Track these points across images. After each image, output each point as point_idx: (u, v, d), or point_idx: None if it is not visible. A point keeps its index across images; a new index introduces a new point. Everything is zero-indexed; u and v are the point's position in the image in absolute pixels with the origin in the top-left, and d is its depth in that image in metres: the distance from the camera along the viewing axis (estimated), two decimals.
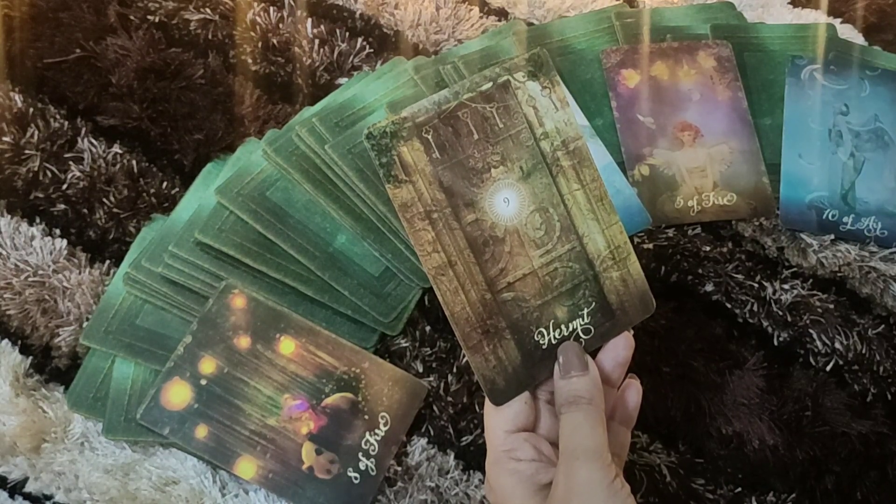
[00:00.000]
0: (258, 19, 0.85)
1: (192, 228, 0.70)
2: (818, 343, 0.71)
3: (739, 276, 0.73)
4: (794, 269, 0.75)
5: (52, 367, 0.69)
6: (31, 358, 0.69)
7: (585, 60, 0.83)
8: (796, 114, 0.80)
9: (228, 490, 0.64)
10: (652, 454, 0.67)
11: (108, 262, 0.73)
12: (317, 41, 0.85)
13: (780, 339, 0.71)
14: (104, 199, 0.75)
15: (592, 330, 0.53)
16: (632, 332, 0.55)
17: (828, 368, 0.70)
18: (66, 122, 0.78)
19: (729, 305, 0.73)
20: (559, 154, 0.52)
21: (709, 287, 0.73)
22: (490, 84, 0.51)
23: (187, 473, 0.64)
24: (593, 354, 0.53)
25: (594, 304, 0.53)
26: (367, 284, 0.71)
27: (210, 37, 0.85)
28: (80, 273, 0.72)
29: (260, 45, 0.84)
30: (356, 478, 0.64)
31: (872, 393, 0.69)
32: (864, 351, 0.71)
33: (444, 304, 0.50)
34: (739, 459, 0.67)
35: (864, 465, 0.67)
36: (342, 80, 0.83)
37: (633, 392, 0.55)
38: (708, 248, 0.75)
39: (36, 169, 0.76)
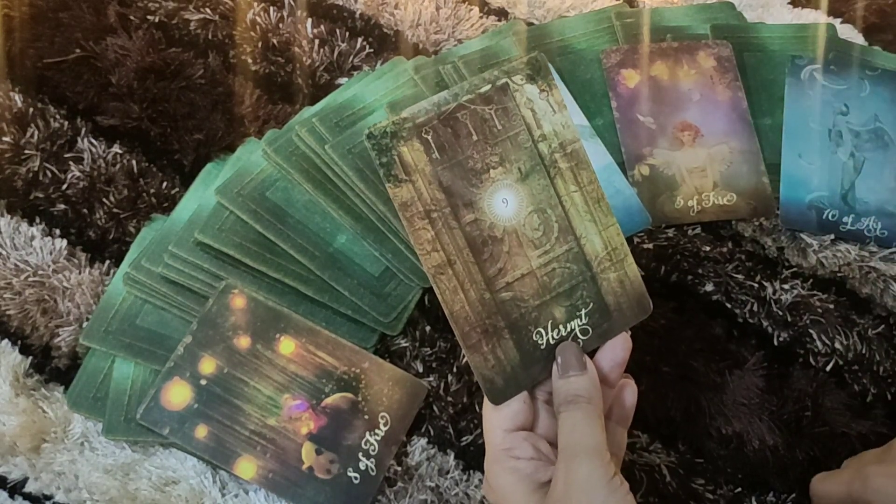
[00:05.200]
0: (258, 19, 0.85)
1: (192, 228, 0.70)
2: (818, 343, 0.71)
3: (739, 276, 0.73)
4: (794, 269, 0.75)
5: (52, 367, 0.69)
6: (31, 358, 0.69)
7: (585, 60, 0.83)
8: (796, 114, 0.80)
9: (228, 490, 0.64)
10: (652, 454, 0.67)
11: (108, 262, 0.73)
12: (317, 41, 0.85)
13: (780, 339, 0.71)
14: (104, 199, 0.75)
15: (590, 330, 0.53)
16: (629, 332, 0.55)
17: (828, 368, 0.70)
18: (66, 122, 0.78)
19: (729, 305, 0.73)
20: (557, 156, 0.52)
21: (709, 287, 0.73)
22: (489, 86, 0.51)
23: (187, 473, 0.64)
24: (591, 355, 0.53)
25: (592, 304, 0.53)
26: (367, 284, 0.71)
27: (210, 37, 0.85)
28: (80, 273, 0.72)
29: (260, 45, 0.84)
30: (356, 478, 0.64)
31: (872, 393, 0.69)
32: (864, 351, 0.71)
33: (443, 303, 0.50)
34: (739, 459, 0.67)
35: None
36: (342, 80, 0.83)
37: (629, 392, 0.56)
38: (708, 248, 0.75)
39: (36, 169, 0.76)
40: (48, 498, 0.64)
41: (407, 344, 0.70)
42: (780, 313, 0.72)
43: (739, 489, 0.66)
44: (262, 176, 0.73)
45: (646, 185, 0.77)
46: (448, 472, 0.66)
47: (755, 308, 0.72)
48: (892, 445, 0.61)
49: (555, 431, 0.51)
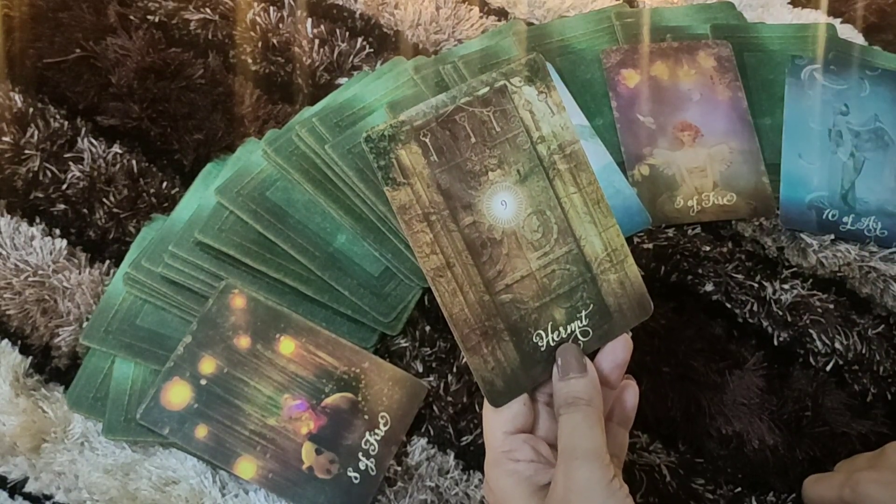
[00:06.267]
0: (258, 19, 0.85)
1: (192, 228, 0.70)
2: (818, 343, 0.71)
3: (739, 276, 0.73)
4: (794, 269, 0.75)
5: (52, 367, 0.69)
6: (31, 358, 0.69)
7: (585, 60, 0.83)
8: (796, 114, 0.80)
9: (228, 490, 0.64)
10: (652, 454, 0.67)
11: (108, 262, 0.73)
12: (317, 41, 0.85)
13: (780, 339, 0.71)
14: (104, 199, 0.75)
15: (591, 332, 0.53)
16: (630, 333, 0.55)
17: (828, 368, 0.70)
18: (66, 122, 0.78)
19: (729, 305, 0.73)
20: (556, 158, 0.52)
21: (709, 287, 0.73)
22: (487, 89, 0.51)
23: (187, 473, 0.64)
24: (591, 356, 0.53)
25: (592, 306, 0.53)
26: (367, 284, 0.71)
27: (210, 37, 0.85)
28: (80, 273, 0.72)
29: (260, 45, 0.84)
30: (356, 478, 0.64)
31: (872, 393, 0.69)
32: (864, 351, 0.71)
33: (442, 306, 0.50)
34: (739, 459, 0.67)
35: None
36: (342, 80, 0.83)
37: (631, 393, 0.56)
38: (708, 248, 0.75)
39: (36, 169, 0.76)
40: (48, 498, 0.64)
41: (407, 344, 0.70)
42: (780, 313, 0.72)
43: (739, 489, 0.66)
44: (262, 176, 0.73)
45: (646, 185, 0.77)
46: (448, 472, 0.66)
47: (755, 308, 0.72)
48: (885, 451, 0.61)
49: (555, 434, 0.51)
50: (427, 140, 0.50)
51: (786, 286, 0.73)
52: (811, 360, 0.71)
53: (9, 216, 0.74)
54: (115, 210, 0.75)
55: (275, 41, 0.85)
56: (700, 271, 0.74)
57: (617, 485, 0.48)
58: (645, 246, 0.75)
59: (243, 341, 0.66)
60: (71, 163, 0.76)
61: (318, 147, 0.73)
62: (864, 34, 0.90)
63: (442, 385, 0.69)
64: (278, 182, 0.73)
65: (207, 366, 0.65)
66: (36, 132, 0.77)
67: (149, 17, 0.85)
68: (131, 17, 0.85)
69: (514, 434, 0.52)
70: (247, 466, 0.63)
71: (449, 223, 0.50)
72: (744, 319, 0.72)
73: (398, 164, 0.49)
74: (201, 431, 0.64)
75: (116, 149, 0.77)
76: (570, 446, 0.49)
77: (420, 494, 0.65)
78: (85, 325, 0.70)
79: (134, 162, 0.77)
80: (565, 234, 0.53)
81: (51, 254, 0.72)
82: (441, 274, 0.50)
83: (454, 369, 0.69)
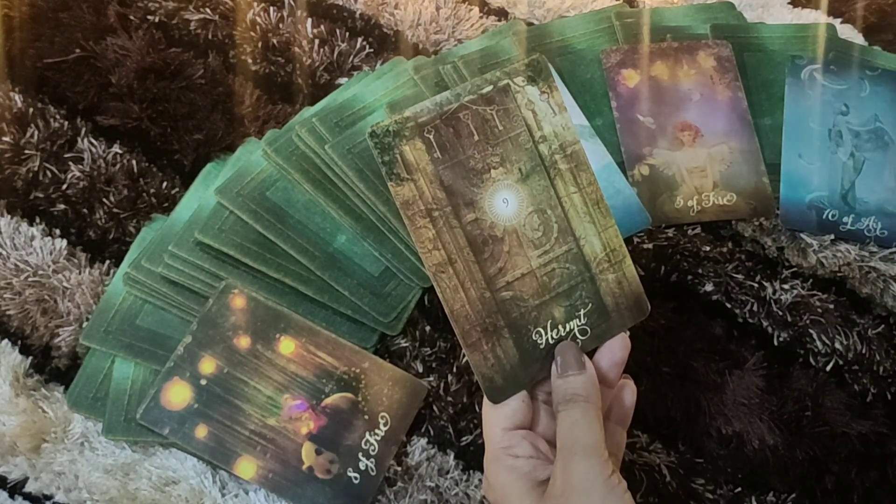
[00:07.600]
0: (258, 19, 0.85)
1: (192, 228, 0.70)
2: (818, 343, 0.71)
3: (739, 276, 0.73)
4: (794, 269, 0.75)
5: (52, 367, 0.69)
6: (31, 358, 0.69)
7: (585, 60, 0.83)
8: (796, 114, 0.80)
9: (228, 490, 0.64)
10: (652, 454, 0.67)
11: (108, 262, 0.73)
12: (317, 41, 0.85)
13: (780, 339, 0.71)
14: (104, 199, 0.75)
15: (589, 331, 0.54)
16: (628, 333, 0.55)
17: (828, 368, 0.70)
18: (66, 122, 0.78)
19: (729, 305, 0.73)
20: (557, 157, 0.52)
21: (709, 287, 0.73)
22: (490, 87, 0.51)
23: (187, 473, 0.64)
24: (590, 355, 0.53)
25: (590, 305, 0.53)
26: (367, 284, 0.71)
27: (210, 37, 0.85)
28: (80, 273, 0.72)
29: (260, 45, 0.84)
30: (356, 478, 0.64)
31: (872, 393, 0.69)
32: (864, 351, 0.71)
33: (443, 302, 0.50)
34: (739, 459, 0.67)
35: (864, 465, 0.67)
36: (342, 80, 0.83)
37: (629, 392, 0.56)
38: (708, 248, 0.75)
39: (36, 169, 0.76)
40: (48, 498, 0.64)
41: (407, 344, 0.70)
42: (780, 313, 0.72)
43: (739, 489, 0.66)
44: (262, 176, 0.73)
45: (646, 185, 0.77)
46: (448, 472, 0.66)
47: (755, 308, 0.72)
48: None
49: (553, 431, 0.51)
50: (431, 137, 0.50)
51: (786, 286, 0.73)
52: (811, 360, 0.71)
53: (9, 216, 0.74)
54: (115, 210, 0.74)
55: (275, 41, 0.85)
56: (700, 271, 0.74)
57: (616, 480, 0.49)
58: (645, 246, 0.75)
59: (243, 341, 0.66)
60: (71, 163, 0.76)
61: (318, 147, 0.73)
62: (864, 34, 0.90)
63: (442, 385, 0.69)
64: (278, 182, 0.73)
65: (207, 366, 0.65)
66: (36, 132, 0.77)
67: (149, 17, 0.85)
68: (131, 17, 0.85)
69: (512, 430, 0.52)
70: (247, 466, 0.63)
71: (451, 219, 0.50)
72: (744, 319, 0.72)
73: (402, 160, 0.50)
74: (201, 431, 0.64)
75: (116, 149, 0.77)
76: (568, 442, 0.50)
77: (420, 494, 0.65)
78: (85, 325, 0.70)
79: (134, 162, 0.77)
80: (565, 233, 0.53)
81: (51, 254, 0.72)
82: (443, 270, 0.50)
83: (454, 369, 0.69)
